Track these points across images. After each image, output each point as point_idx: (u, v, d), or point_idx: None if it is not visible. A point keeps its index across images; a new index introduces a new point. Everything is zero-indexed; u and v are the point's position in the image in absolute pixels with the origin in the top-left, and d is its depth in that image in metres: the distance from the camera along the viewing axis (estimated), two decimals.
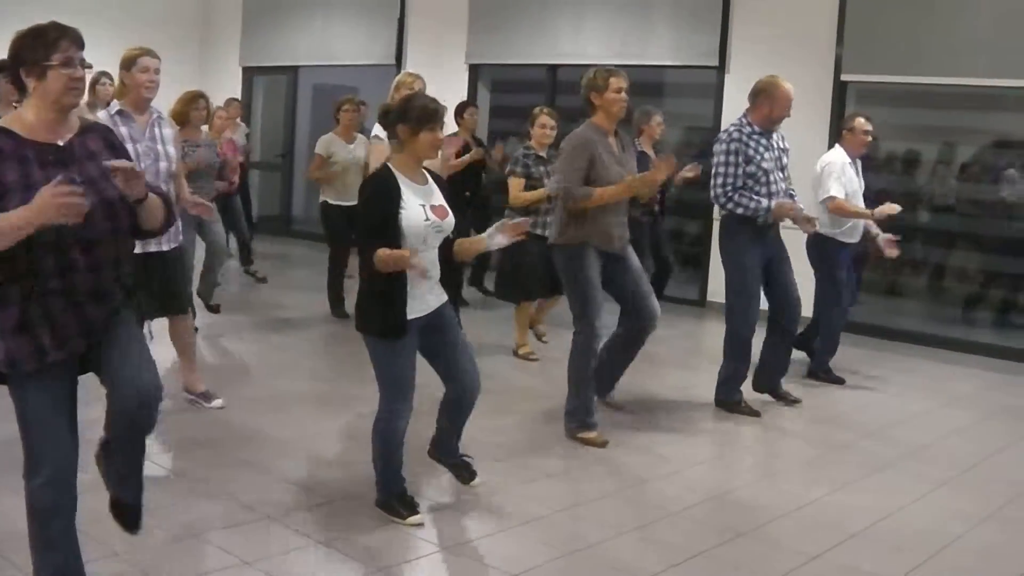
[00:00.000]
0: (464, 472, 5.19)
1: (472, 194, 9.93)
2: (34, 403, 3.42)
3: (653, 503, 5.37)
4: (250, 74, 16.97)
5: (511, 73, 14.20)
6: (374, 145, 7.20)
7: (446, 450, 5.18)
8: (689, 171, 9.37)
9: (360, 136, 9.84)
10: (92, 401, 3.67)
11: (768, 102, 6.97)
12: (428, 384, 5.00)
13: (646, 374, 8.02)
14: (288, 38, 16.13)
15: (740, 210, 6.90)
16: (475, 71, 13.87)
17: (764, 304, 7.22)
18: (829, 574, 4.59)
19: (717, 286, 11.10)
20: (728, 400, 7.23)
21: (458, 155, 9.76)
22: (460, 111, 10.37)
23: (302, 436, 6.09)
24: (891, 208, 7.91)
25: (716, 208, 7.19)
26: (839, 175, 7.95)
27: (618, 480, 5.70)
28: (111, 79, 10.00)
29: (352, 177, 9.60)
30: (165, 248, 6.09)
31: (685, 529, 5.03)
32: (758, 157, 6.92)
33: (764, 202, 6.88)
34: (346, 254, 9.87)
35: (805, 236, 7.85)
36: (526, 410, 6.97)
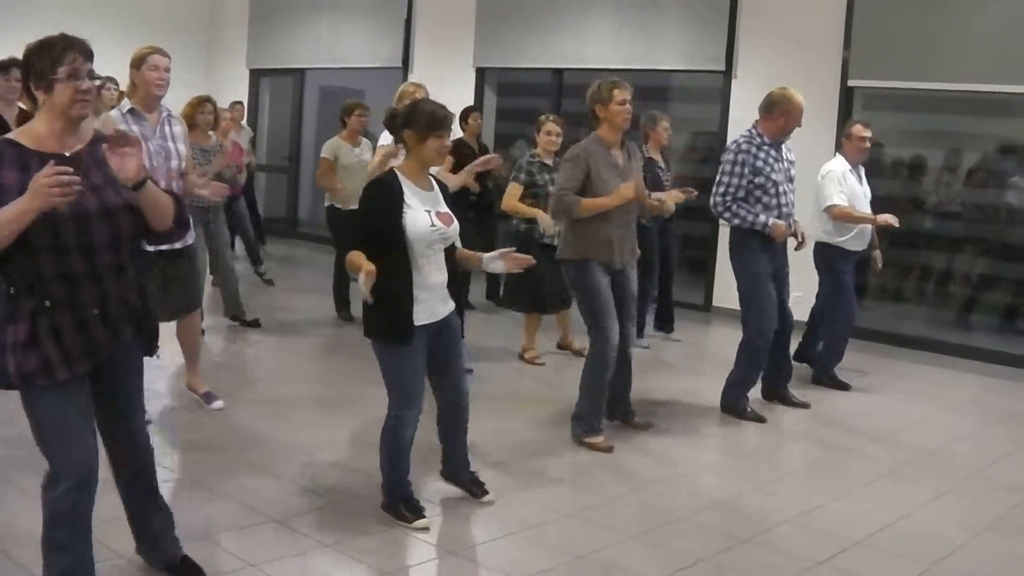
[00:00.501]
0: (475, 488, 5.23)
1: (477, 199, 9.93)
2: (49, 415, 3.44)
3: (658, 509, 5.38)
4: (257, 76, 17.00)
5: (518, 77, 14.21)
6: (380, 151, 7.21)
7: (454, 468, 5.25)
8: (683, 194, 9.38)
9: (365, 140, 9.84)
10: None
11: (783, 115, 6.98)
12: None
13: (651, 379, 8.04)
14: (295, 41, 16.15)
15: (736, 221, 6.92)
16: (482, 74, 13.89)
17: None
18: None
19: (722, 291, 11.17)
20: (734, 405, 7.24)
21: (464, 163, 9.78)
22: (464, 116, 10.37)
23: (308, 439, 6.10)
24: (892, 219, 7.93)
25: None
26: (839, 182, 7.96)
27: (623, 485, 5.71)
28: (116, 84, 10.02)
29: (358, 181, 9.60)
30: (177, 246, 6.10)
31: (690, 535, 5.04)
32: (767, 168, 6.93)
33: (762, 218, 6.89)
34: None
35: (812, 244, 7.87)
36: (532, 414, 6.98)
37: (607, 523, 5.11)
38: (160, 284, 5.88)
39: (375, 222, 4.60)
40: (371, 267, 4.35)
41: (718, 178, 6.98)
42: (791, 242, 7.24)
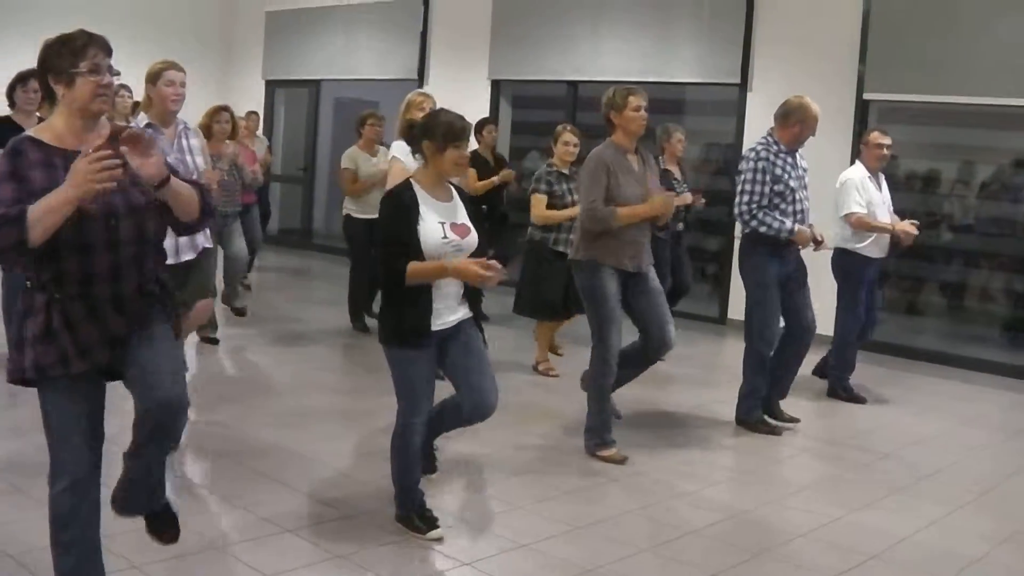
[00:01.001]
0: (426, 463, 5.16)
1: (490, 210, 9.94)
2: (59, 411, 3.46)
3: (672, 522, 5.36)
4: (272, 88, 17.06)
5: (533, 89, 14.23)
6: (392, 164, 7.19)
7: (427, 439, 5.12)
8: (696, 201, 9.35)
9: (382, 149, 9.86)
10: (108, 416, 3.68)
11: (798, 123, 6.98)
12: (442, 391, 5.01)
13: (666, 391, 8.03)
14: (310, 52, 16.21)
15: (763, 228, 6.90)
16: (497, 87, 13.91)
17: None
18: None
19: (737, 304, 11.14)
20: (748, 419, 7.22)
21: (481, 177, 9.81)
22: (479, 128, 10.38)
23: (321, 450, 6.11)
24: (910, 228, 7.93)
25: (738, 226, 7.18)
26: (858, 190, 7.97)
27: (636, 498, 5.69)
28: (130, 92, 10.07)
29: (375, 190, 9.64)
30: (190, 256, 6.09)
31: (704, 548, 5.03)
32: (785, 176, 6.94)
33: (788, 224, 6.89)
34: (373, 267, 9.90)
35: (832, 251, 7.87)
36: (545, 426, 6.97)
37: (619, 536, 5.09)
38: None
39: (392, 232, 4.61)
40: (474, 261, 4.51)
41: (740, 187, 6.97)
42: (810, 245, 7.21)
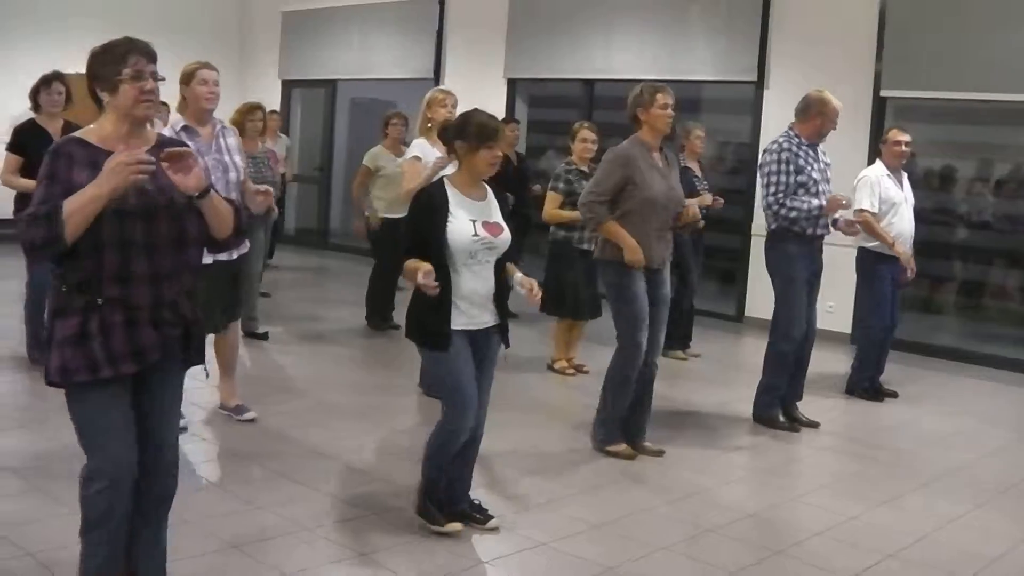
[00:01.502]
0: (479, 515, 5.03)
1: (512, 211, 9.92)
2: (89, 412, 3.47)
3: (688, 520, 5.36)
4: (289, 88, 17.09)
5: (549, 88, 14.24)
6: (410, 164, 7.20)
7: (452, 498, 5.00)
8: (716, 203, 9.30)
9: (406, 149, 9.87)
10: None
11: (818, 115, 7.00)
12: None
13: (683, 389, 8.03)
14: (327, 52, 16.23)
15: (794, 214, 6.91)
16: (513, 86, 13.92)
17: None
18: None
19: (754, 302, 11.15)
20: (765, 416, 7.22)
21: (498, 175, 9.79)
22: None
23: (341, 449, 6.13)
24: (909, 262, 8.00)
25: (766, 221, 7.17)
26: (873, 187, 7.98)
27: (653, 497, 5.70)
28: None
29: (398, 190, 9.65)
30: (235, 256, 6.15)
31: (721, 547, 5.03)
32: (808, 167, 6.96)
33: (815, 201, 6.93)
34: (395, 266, 9.92)
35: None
36: (561, 425, 6.99)
37: (637, 535, 5.10)
38: (207, 294, 5.89)
39: (419, 230, 4.64)
40: (427, 265, 4.43)
41: (766, 180, 6.99)
42: (848, 229, 7.28)
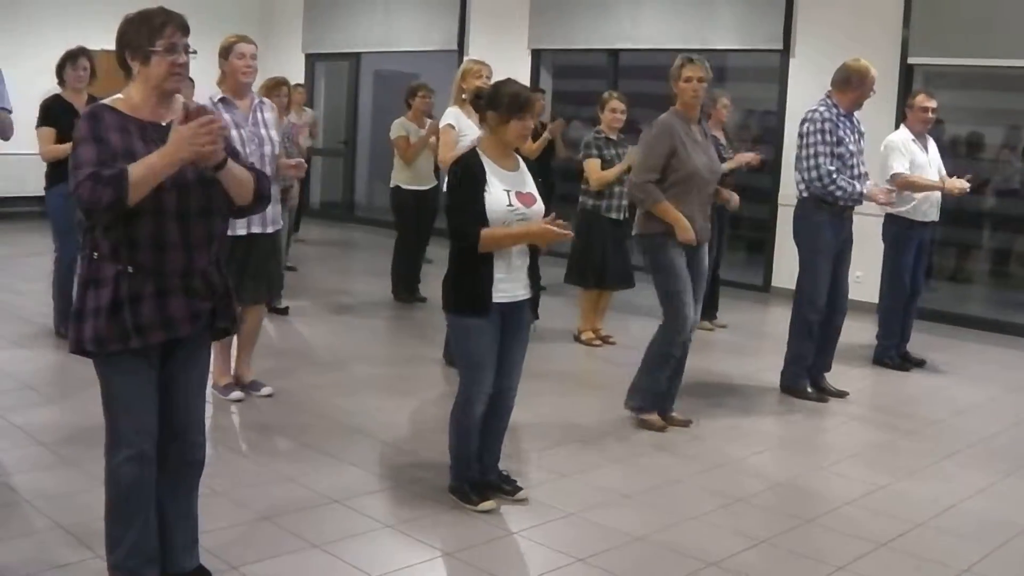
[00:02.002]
0: (508, 486, 5.05)
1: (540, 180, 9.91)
2: (119, 381, 3.48)
3: (718, 489, 5.36)
4: (312, 61, 17.08)
5: (573, 58, 14.18)
6: (445, 132, 7.23)
7: (483, 468, 5.04)
8: (751, 158, 9.27)
9: (430, 121, 9.87)
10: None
11: (860, 88, 6.95)
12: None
13: (710, 359, 8.02)
14: (350, 25, 16.20)
15: (839, 192, 6.86)
16: (537, 56, 13.86)
17: None
18: (895, 562, 4.57)
19: (781, 271, 11.10)
20: (793, 386, 7.21)
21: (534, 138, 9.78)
22: None
23: (370, 421, 6.16)
24: (961, 184, 7.87)
25: (797, 189, 7.10)
26: (901, 151, 7.92)
27: (681, 466, 5.70)
28: None
29: (423, 161, 9.65)
30: (270, 230, 6.17)
31: (750, 516, 5.03)
32: (846, 139, 6.92)
33: (859, 187, 6.89)
34: (420, 239, 9.95)
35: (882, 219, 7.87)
36: (588, 395, 7.01)
37: (666, 504, 5.12)
38: (238, 270, 5.91)
39: (463, 198, 4.63)
40: (539, 226, 4.58)
41: (807, 151, 6.91)
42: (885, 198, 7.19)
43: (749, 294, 11.39)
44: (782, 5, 11.32)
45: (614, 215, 8.12)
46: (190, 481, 3.79)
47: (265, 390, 6.53)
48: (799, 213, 7.16)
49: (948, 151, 10.79)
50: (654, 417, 6.28)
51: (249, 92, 6.21)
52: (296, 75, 16.05)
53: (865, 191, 6.93)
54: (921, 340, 8.71)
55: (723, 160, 8.75)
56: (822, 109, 6.95)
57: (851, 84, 6.96)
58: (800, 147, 7.00)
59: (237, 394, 6.42)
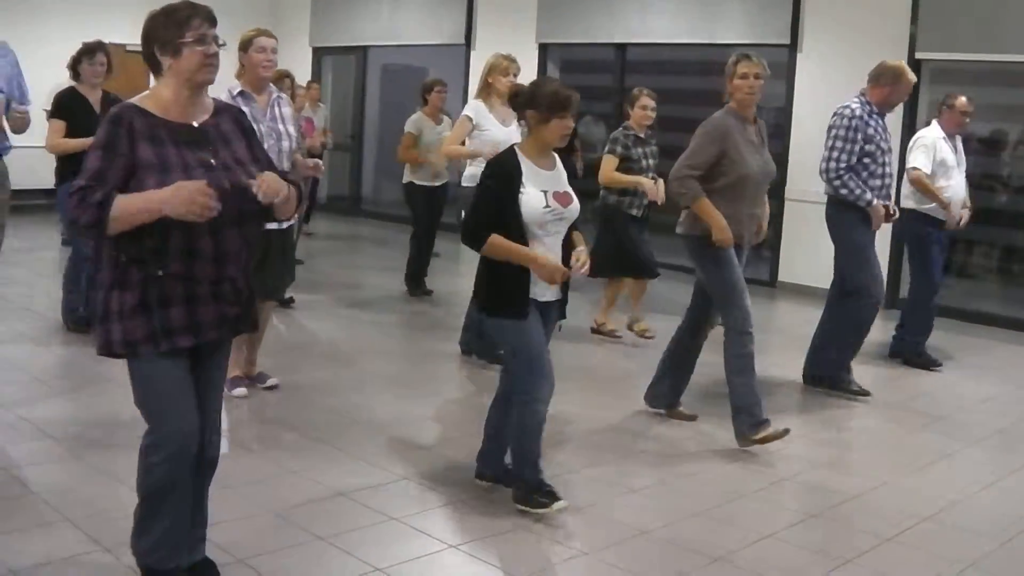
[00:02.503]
0: (506, 482, 4.95)
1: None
2: (153, 382, 3.46)
3: (726, 486, 5.37)
4: (319, 55, 17.08)
5: (581, 53, 14.16)
6: (460, 122, 7.24)
7: (494, 462, 5.02)
8: None
9: (446, 118, 9.86)
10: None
11: (889, 85, 6.91)
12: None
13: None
14: (357, 19, 16.20)
15: (844, 191, 6.84)
16: (545, 51, 13.85)
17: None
18: (903, 556, 4.57)
19: (787, 266, 11.10)
20: (838, 381, 7.21)
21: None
22: None
23: (382, 415, 6.16)
24: (963, 221, 7.93)
25: (825, 186, 7.05)
26: (930, 149, 7.86)
27: (693, 461, 5.70)
28: None
29: (438, 157, 9.66)
30: (284, 226, 6.13)
31: (757, 511, 5.04)
32: (877, 137, 6.87)
33: (868, 196, 6.83)
34: (429, 234, 9.97)
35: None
36: (614, 390, 7.02)
37: (673, 499, 5.12)
38: (270, 263, 5.92)
39: (494, 199, 4.55)
40: (551, 263, 4.48)
41: (830, 143, 6.88)
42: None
43: (756, 289, 11.31)
44: (790, 0, 11.29)
45: (635, 212, 8.08)
46: (204, 479, 3.77)
47: (271, 381, 6.50)
48: (832, 215, 7.10)
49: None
50: (769, 431, 5.82)
51: (267, 86, 6.18)
52: (303, 69, 16.08)
53: (875, 202, 6.85)
54: (932, 336, 8.58)
55: None
56: (855, 106, 6.90)
57: (881, 81, 6.92)
58: (825, 139, 6.96)
59: (241, 391, 6.32)
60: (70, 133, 7.15)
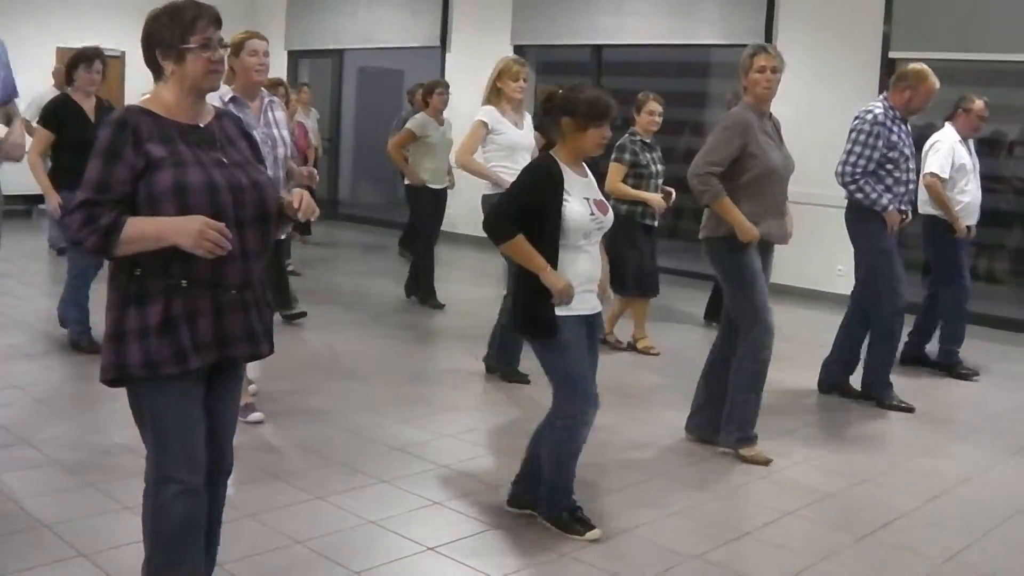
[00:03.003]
0: (580, 526, 4.61)
1: None
2: (170, 410, 3.17)
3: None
4: (295, 58, 17.04)
5: (556, 54, 14.17)
6: (474, 128, 6.99)
7: (532, 488, 4.72)
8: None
9: (448, 119, 9.82)
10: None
11: (908, 89, 6.74)
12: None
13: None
14: (333, 21, 16.17)
15: (859, 195, 6.68)
16: (520, 52, 13.82)
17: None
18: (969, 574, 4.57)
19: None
20: (881, 396, 7.01)
21: None
22: None
23: (400, 435, 5.87)
24: (967, 231, 7.79)
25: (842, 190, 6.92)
26: (947, 154, 7.73)
27: (730, 482, 5.62)
28: None
29: (442, 160, 9.63)
30: (282, 236, 5.97)
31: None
32: (900, 143, 6.70)
33: (884, 201, 6.66)
34: (436, 239, 9.93)
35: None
36: (642, 405, 6.85)
37: (710, 523, 5.05)
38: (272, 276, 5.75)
39: (535, 205, 4.36)
40: (563, 281, 4.30)
41: (849, 147, 6.71)
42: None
43: None
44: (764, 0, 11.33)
45: (648, 221, 7.94)
46: (219, 488, 3.47)
47: (254, 416, 5.96)
48: (853, 219, 6.96)
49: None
50: (756, 451, 5.71)
51: (260, 91, 5.90)
52: (279, 72, 16.01)
53: (890, 207, 6.68)
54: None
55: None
56: (878, 111, 6.73)
57: (899, 85, 6.79)
58: (845, 141, 6.81)
59: (257, 415, 5.97)
60: (62, 142, 7.01)
